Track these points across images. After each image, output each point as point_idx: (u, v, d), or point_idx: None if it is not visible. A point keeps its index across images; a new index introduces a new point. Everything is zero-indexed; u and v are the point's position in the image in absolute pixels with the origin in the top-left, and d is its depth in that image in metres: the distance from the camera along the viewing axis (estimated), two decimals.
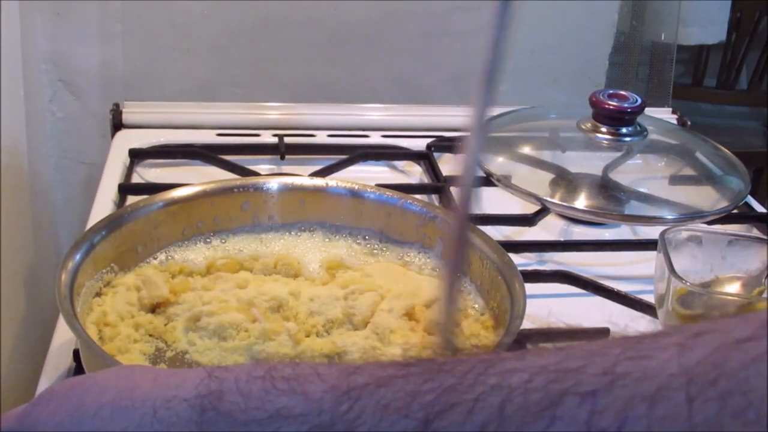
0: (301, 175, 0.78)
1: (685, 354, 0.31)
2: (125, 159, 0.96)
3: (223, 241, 0.72)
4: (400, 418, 0.33)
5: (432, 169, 0.95)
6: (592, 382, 0.31)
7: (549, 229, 0.88)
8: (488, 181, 0.88)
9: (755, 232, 0.89)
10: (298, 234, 0.73)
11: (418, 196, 0.75)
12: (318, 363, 0.36)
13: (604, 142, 0.91)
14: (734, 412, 0.29)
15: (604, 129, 0.90)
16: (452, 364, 0.34)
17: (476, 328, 0.62)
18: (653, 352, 0.32)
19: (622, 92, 0.91)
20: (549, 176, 0.90)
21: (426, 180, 0.96)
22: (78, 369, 0.63)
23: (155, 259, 0.69)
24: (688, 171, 0.95)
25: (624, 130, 0.90)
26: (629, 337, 0.34)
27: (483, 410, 0.32)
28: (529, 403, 0.32)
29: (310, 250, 0.71)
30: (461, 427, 0.32)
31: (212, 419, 0.35)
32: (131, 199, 0.82)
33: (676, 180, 0.93)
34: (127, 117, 1.05)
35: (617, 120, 0.90)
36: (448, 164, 0.99)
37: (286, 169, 0.96)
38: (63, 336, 0.67)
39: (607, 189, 0.88)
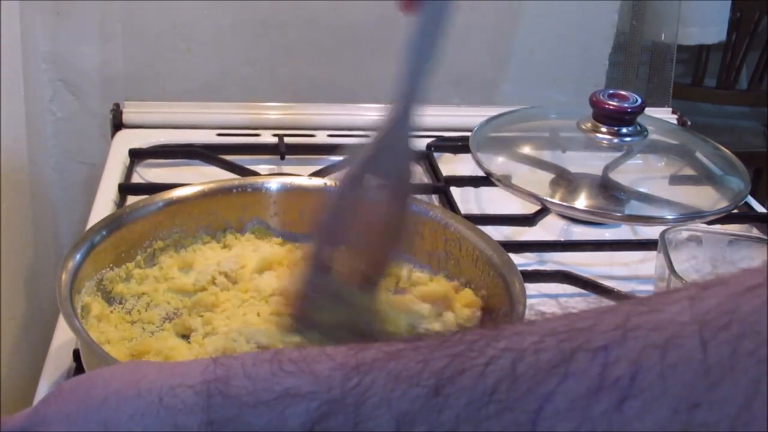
0: (301, 175, 0.78)
1: (696, 305, 0.31)
2: (125, 159, 0.96)
3: (223, 241, 0.72)
4: (410, 386, 0.33)
5: (432, 169, 0.96)
6: (604, 338, 0.32)
7: (549, 229, 0.88)
8: (489, 181, 0.88)
9: (755, 232, 0.89)
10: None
11: (418, 196, 0.75)
12: (326, 346, 0.36)
13: (604, 142, 0.91)
14: (748, 351, 0.29)
15: (604, 129, 0.90)
16: (462, 335, 0.34)
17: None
18: (664, 306, 0.32)
19: (622, 92, 0.91)
20: (549, 176, 0.90)
21: (426, 180, 0.96)
22: (78, 369, 0.63)
23: (155, 259, 0.69)
24: (688, 171, 0.95)
25: (624, 130, 0.90)
26: (639, 297, 0.34)
27: (494, 372, 0.32)
28: (540, 361, 0.32)
29: None
30: (473, 390, 0.32)
31: (219, 404, 0.35)
32: (131, 199, 0.82)
33: (676, 180, 0.93)
34: (127, 117, 1.05)
35: (617, 120, 0.90)
36: (448, 164, 0.99)
37: (286, 169, 0.96)
38: (63, 336, 0.67)
39: (607, 189, 0.88)
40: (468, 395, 0.32)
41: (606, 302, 0.70)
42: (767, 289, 0.30)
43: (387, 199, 0.59)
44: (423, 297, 0.66)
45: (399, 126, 0.58)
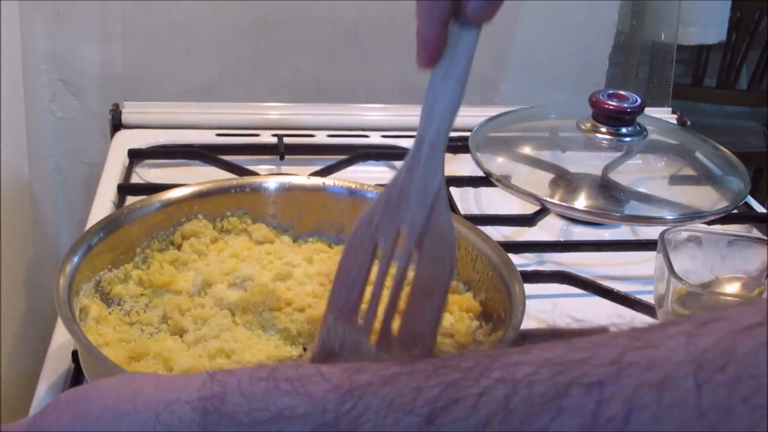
0: (301, 175, 0.78)
1: (693, 342, 0.31)
2: (124, 159, 0.96)
3: (221, 241, 0.72)
4: (404, 414, 0.33)
5: None
6: (599, 373, 0.31)
7: (549, 229, 0.88)
8: (488, 181, 0.88)
9: (755, 232, 0.89)
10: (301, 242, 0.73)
11: None
12: (321, 364, 0.36)
13: (604, 142, 0.91)
14: (744, 397, 0.29)
15: (604, 129, 0.90)
16: (457, 360, 0.34)
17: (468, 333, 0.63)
18: (660, 341, 0.31)
19: (622, 92, 0.91)
20: (549, 176, 0.90)
21: None
22: (77, 370, 0.63)
23: (152, 260, 0.69)
24: (688, 171, 0.95)
25: (624, 130, 0.90)
26: (636, 328, 0.34)
27: (487, 404, 0.32)
28: (534, 395, 0.32)
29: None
30: (466, 422, 0.32)
31: (215, 421, 0.35)
32: (130, 200, 0.82)
33: (676, 180, 0.93)
34: (126, 117, 1.05)
35: (617, 120, 0.90)
36: (447, 164, 0.98)
37: (285, 169, 0.96)
38: (62, 337, 0.67)
39: (607, 189, 0.88)
40: (461, 427, 0.32)
41: (611, 304, 0.71)
42: (766, 329, 0.30)
43: (417, 253, 0.52)
44: None
45: (421, 172, 0.53)
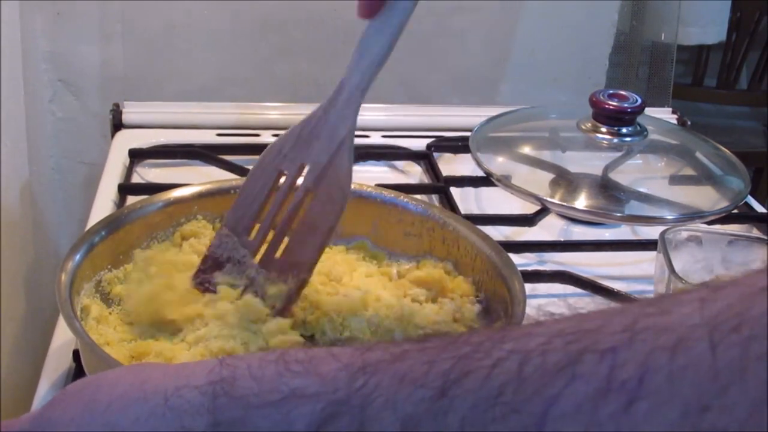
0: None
1: (707, 306, 0.31)
2: (125, 159, 0.96)
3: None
4: (416, 388, 0.33)
5: (432, 169, 0.95)
6: (612, 340, 0.31)
7: (549, 229, 0.88)
8: (489, 181, 0.88)
9: (755, 232, 0.89)
10: None
11: (418, 196, 0.75)
12: (331, 347, 0.36)
13: (604, 142, 0.91)
14: (758, 355, 0.29)
15: (604, 129, 0.90)
16: (468, 336, 0.34)
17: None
18: (674, 308, 0.31)
19: (622, 92, 0.91)
20: (549, 176, 0.90)
21: (426, 180, 0.96)
22: (78, 369, 0.63)
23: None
24: (688, 171, 0.95)
25: (624, 130, 0.90)
26: (648, 298, 0.34)
27: (500, 374, 0.32)
28: (547, 363, 0.31)
29: None
30: (479, 392, 0.32)
31: (225, 405, 0.35)
32: (131, 200, 0.82)
33: (676, 180, 0.93)
34: (127, 117, 1.05)
35: (617, 120, 0.90)
36: (448, 164, 0.99)
37: None
38: (63, 336, 0.67)
39: (607, 189, 0.88)
40: (474, 397, 0.32)
41: (612, 303, 0.71)
42: None
43: (313, 190, 0.59)
44: (417, 282, 0.67)
45: (335, 116, 0.60)
